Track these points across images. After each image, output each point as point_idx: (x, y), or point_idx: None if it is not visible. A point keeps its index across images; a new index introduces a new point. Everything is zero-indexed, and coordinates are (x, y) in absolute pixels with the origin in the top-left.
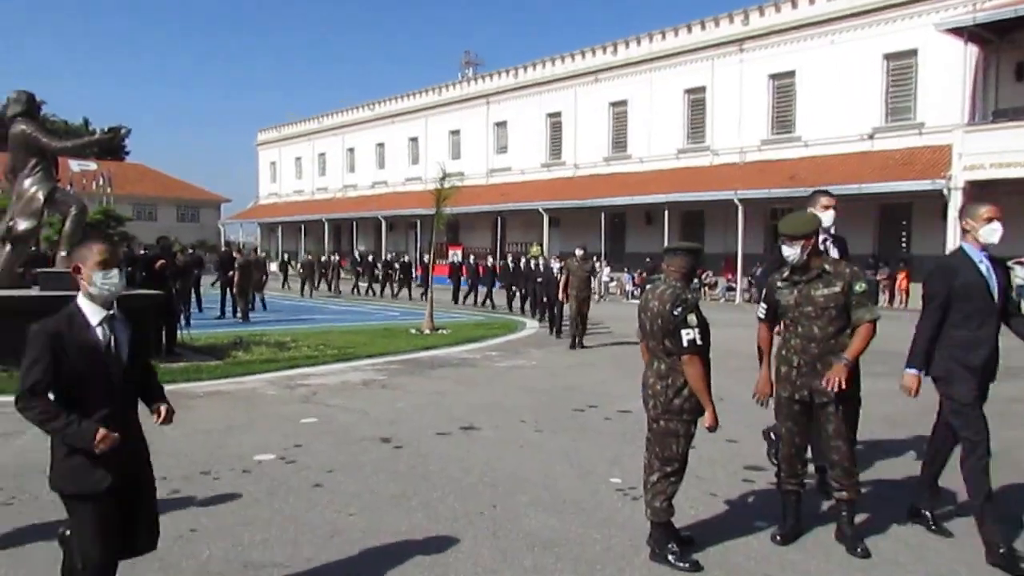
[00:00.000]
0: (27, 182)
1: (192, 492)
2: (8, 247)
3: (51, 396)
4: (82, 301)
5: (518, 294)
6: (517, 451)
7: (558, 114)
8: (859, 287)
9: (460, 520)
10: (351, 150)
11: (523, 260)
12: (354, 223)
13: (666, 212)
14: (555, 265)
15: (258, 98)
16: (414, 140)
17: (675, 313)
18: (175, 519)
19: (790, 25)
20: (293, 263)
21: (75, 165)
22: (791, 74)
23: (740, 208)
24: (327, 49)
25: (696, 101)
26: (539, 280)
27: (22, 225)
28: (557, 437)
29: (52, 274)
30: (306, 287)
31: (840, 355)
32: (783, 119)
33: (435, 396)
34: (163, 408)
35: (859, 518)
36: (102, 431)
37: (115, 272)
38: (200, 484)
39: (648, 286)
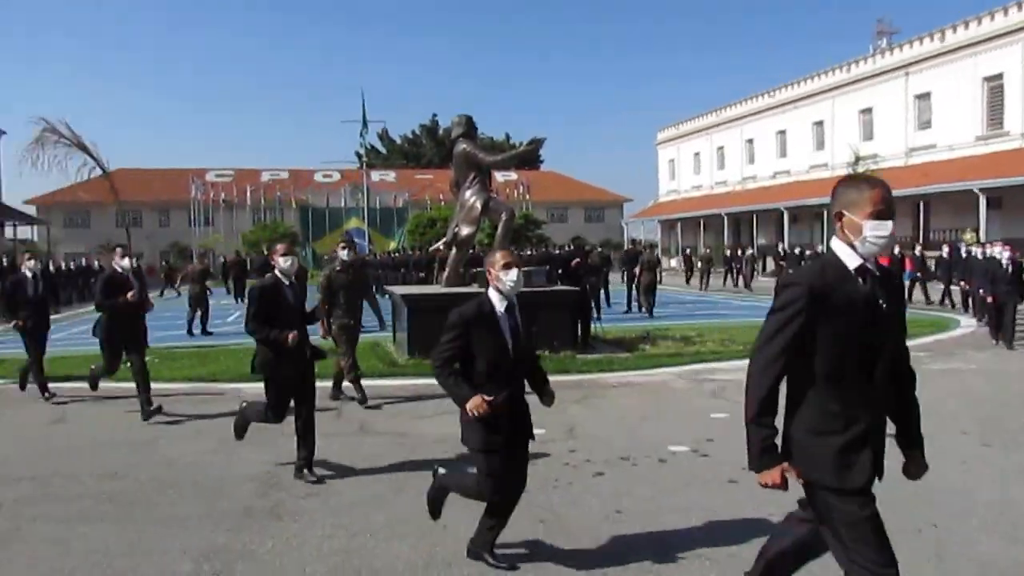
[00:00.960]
0: (467, 193)
1: (614, 476)
2: (454, 251)
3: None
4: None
5: (949, 288)
6: (959, 466)
7: (998, 76)
8: None
9: (894, 535)
10: (750, 141)
11: (962, 248)
12: (754, 216)
13: None
14: (1004, 254)
15: (658, 96)
16: (819, 124)
17: None
18: (602, 500)
19: None
20: (694, 258)
21: (499, 176)
22: None
23: None
24: (721, 39)
25: None
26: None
27: (464, 231)
28: (1011, 454)
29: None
30: (702, 280)
31: None
32: None
33: None
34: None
35: None
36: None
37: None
38: (620, 469)
39: None
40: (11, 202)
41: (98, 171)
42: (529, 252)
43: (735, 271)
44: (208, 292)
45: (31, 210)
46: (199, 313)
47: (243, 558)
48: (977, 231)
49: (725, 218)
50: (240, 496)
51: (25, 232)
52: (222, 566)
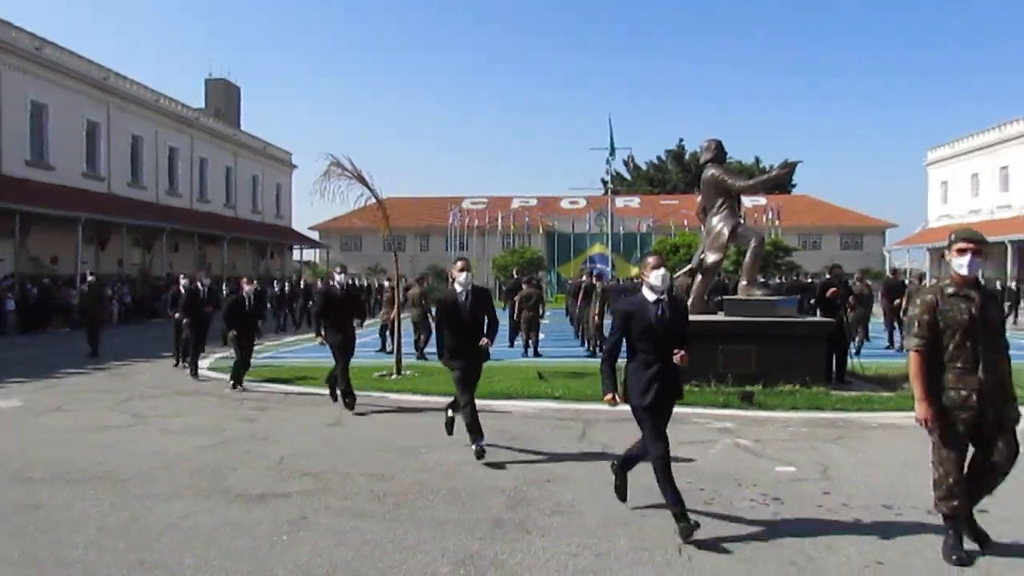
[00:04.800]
0: (715, 219)
1: (873, 523)
2: (699, 277)
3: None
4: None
5: None
6: None
7: None
8: None
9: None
10: None
11: None
12: None
13: None
14: None
15: (927, 116)
16: None
17: None
18: (859, 547)
19: None
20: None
21: (747, 201)
22: None
23: None
24: (996, 51)
25: None
26: None
27: (711, 258)
28: None
29: (735, 301)
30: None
31: None
32: None
33: None
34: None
35: None
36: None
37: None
38: (880, 516)
39: None
40: (299, 228)
41: (372, 199)
42: (779, 280)
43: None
44: (429, 314)
45: (314, 235)
46: (422, 336)
47: (494, 567)
48: None
49: (1009, 247)
50: (491, 506)
51: (309, 255)
52: (476, 572)
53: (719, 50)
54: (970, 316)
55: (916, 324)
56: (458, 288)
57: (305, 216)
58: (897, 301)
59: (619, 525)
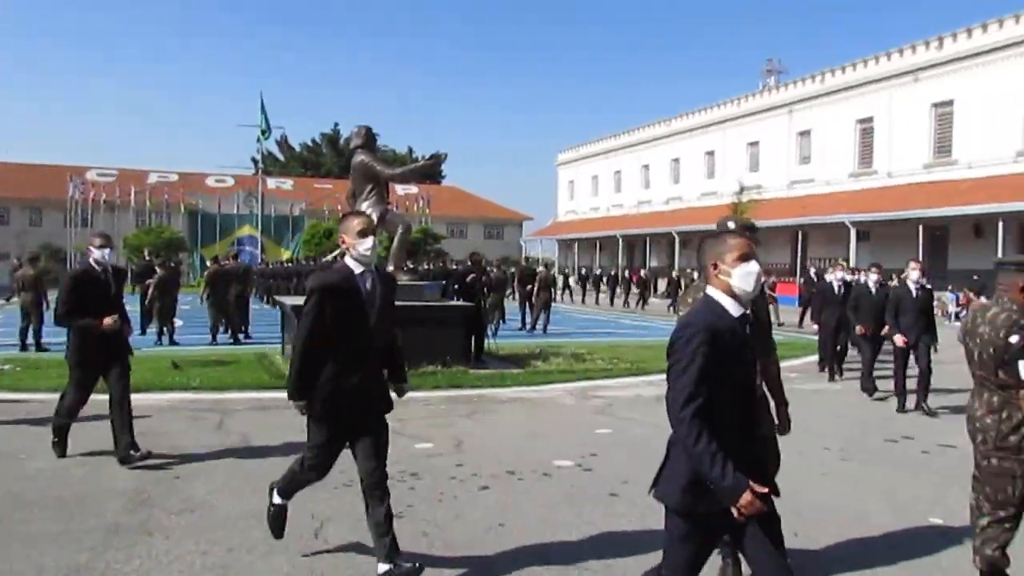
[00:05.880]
0: (364, 205)
1: (499, 489)
2: None
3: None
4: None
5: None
6: (820, 479)
7: (869, 119)
8: None
9: None
10: (646, 167)
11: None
12: (647, 239)
13: (1000, 224)
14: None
15: (560, 120)
16: (710, 154)
17: (1011, 341)
18: (486, 513)
19: None
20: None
21: (399, 189)
22: None
23: None
24: (625, 69)
25: None
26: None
27: None
28: (868, 469)
29: None
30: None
31: None
32: None
33: None
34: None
35: None
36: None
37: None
38: (506, 483)
39: (973, 308)
40: None
41: None
42: (426, 267)
43: (638, 291)
44: (43, 300)
45: None
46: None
47: None
48: (847, 261)
49: (620, 240)
50: (106, 512)
51: None
52: None
53: (369, 38)
54: None
55: None
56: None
57: None
58: (529, 287)
59: (253, 517)
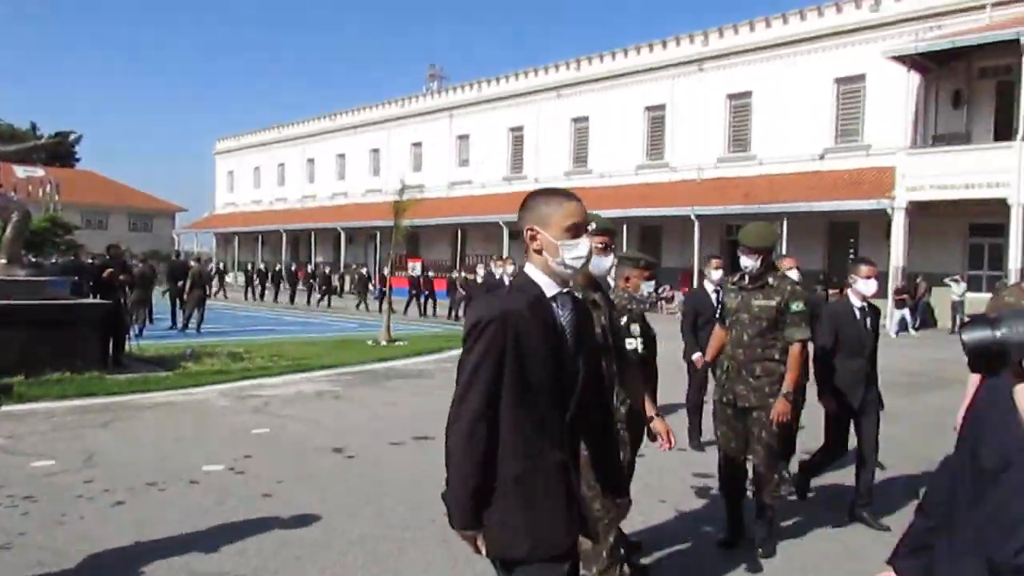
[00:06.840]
0: None
1: (137, 504)
2: None
3: None
4: None
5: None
6: None
7: (520, 128)
8: (795, 306)
9: (411, 528)
10: (311, 160)
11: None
12: (313, 234)
13: (624, 227)
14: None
15: (218, 108)
16: (375, 151)
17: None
18: (119, 531)
19: (747, 47)
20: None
21: (21, 171)
22: (747, 94)
23: (697, 224)
24: (289, 59)
25: (656, 118)
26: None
27: None
28: None
29: None
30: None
31: (777, 388)
32: (739, 138)
33: (389, 407)
34: None
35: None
36: None
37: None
38: (145, 496)
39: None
40: None
41: None
42: (55, 260)
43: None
44: None
45: None
46: None
47: None
48: (502, 258)
49: (284, 234)
50: None
51: None
52: None
53: None
54: None
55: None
56: None
57: None
58: (181, 283)
59: None
